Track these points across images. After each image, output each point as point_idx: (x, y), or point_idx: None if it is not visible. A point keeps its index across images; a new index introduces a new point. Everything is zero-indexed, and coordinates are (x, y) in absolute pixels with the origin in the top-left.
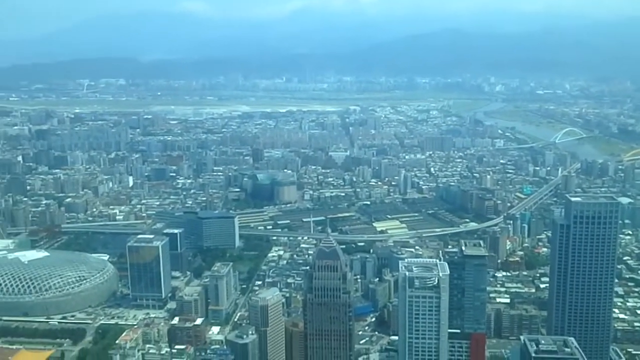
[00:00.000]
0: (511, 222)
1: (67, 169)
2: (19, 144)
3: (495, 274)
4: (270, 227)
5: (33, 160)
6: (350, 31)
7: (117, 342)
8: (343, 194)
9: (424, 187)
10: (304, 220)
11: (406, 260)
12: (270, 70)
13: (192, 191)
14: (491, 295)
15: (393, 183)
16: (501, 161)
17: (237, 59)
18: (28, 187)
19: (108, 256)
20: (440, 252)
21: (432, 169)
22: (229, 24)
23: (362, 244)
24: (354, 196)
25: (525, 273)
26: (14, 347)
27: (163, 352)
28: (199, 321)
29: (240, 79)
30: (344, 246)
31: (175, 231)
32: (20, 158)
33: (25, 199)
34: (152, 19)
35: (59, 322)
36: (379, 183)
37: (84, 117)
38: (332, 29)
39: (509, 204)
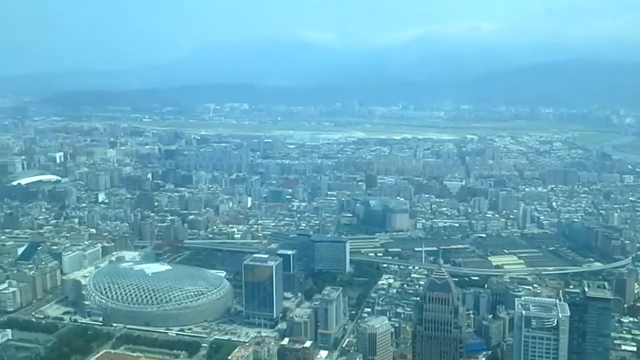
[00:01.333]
0: None
1: (192, 188)
2: (149, 162)
3: (621, 319)
4: (381, 254)
5: (161, 178)
6: (470, 59)
7: (229, 358)
8: (457, 225)
9: (544, 222)
10: (416, 249)
11: (523, 298)
12: (387, 97)
13: (306, 214)
14: (615, 341)
15: (511, 216)
16: (630, 198)
17: (354, 85)
18: (155, 203)
19: (225, 273)
20: (561, 292)
21: (554, 204)
22: (347, 52)
23: (476, 278)
24: (468, 228)
25: None
26: (135, 354)
27: None
28: (308, 344)
29: (356, 105)
30: (456, 279)
31: (289, 252)
32: (150, 175)
33: (153, 214)
34: (276, 47)
35: (176, 334)
36: (496, 215)
37: (209, 139)
38: (451, 57)
39: (638, 245)
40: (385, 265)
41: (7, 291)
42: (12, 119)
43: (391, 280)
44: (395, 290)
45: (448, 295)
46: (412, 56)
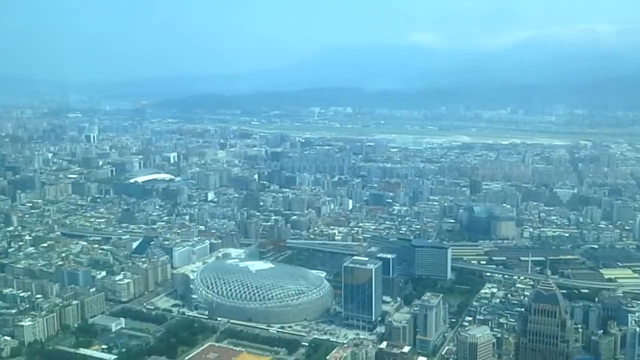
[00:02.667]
0: None
1: (295, 189)
2: (256, 164)
3: None
4: (484, 262)
5: (267, 178)
6: (585, 62)
7: (327, 357)
8: (567, 235)
9: None
10: (522, 258)
11: (637, 314)
12: (494, 101)
13: (407, 218)
14: None
15: (627, 227)
16: None
17: (460, 89)
18: (261, 203)
19: (325, 273)
20: None
21: None
22: (454, 55)
23: (586, 291)
24: (579, 238)
25: None
26: (237, 348)
27: None
28: (406, 349)
29: (462, 109)
30: (564, 291)
31: (389, 256)
32: (256, 176)
33: (258, 213)
34: (384, 50)
35: (277, 331)
36: (610, 226)
37: (313, 141)
38: (564, 59)
39: None
40: (488, 273)
41: (122, 282)
42: (131, 121)
43: (494, 290)
44: (498, 300)
45: (555, 308)
46: (522, 58)
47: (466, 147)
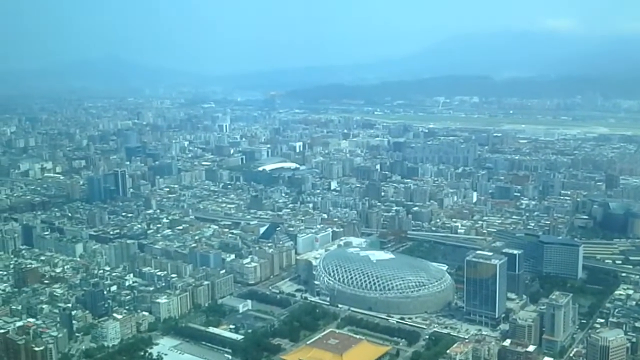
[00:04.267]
0: None
1: (417, 180)
2: (378, 154)
3: None
4: (620, 262)
5: (389, 169)
6: None
7: (447, 351)
8: None
9: None
10: None
11: None
12: (635, 89)
13: (535, 213)
14: None
15: None
16: None
17: (597, 76)
18: (382, 193)
19: (447, 267)
20: None
21: None
22: (591, 40)
23: None
24: None
25: None
26: (357, 336)
27: None
28: (531, 348)
29: (599, 98)
30: None
31: (515, 252)
32: (378, 166)
33: (379, 203)
34: (512, 37)
35: (397, 322)
36: None
37: (437, 132)
38: None
39: None
40: (624, 274)
41: (249, 265)
42: (260, 111)
43: (630, 292)
44: (634, 302)
45: None
46: None
47: (603, 139)
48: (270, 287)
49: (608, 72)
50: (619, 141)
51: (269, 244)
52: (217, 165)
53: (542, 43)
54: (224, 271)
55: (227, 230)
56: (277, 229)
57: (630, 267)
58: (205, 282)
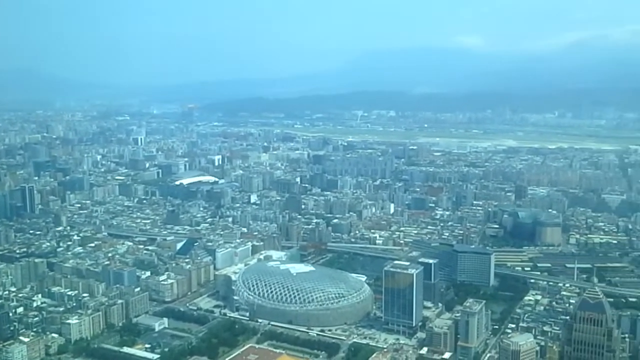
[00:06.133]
0: None
1: (337, 192)
2: (298, 167)
3: None
4: (529, 269)
5: (309, 182)
6: (636, 66)
7: None
8: (615, 242)
9: None
10: (567, 265)
11: None
12: (541, 104)
13: (449, 223)
14: None
15: None
16: None
17: (506, 92)
18: (302, 206)
19: (365, 277)
20: None
21: None
22: (501, 57)
23: (634, 299)
24: (628, 245)
25: None
26: (277, 350)
27: None
28: (447, 355)
29: (508, 112)
30: (611, 299)
31: (430, 261)
32: (298, 179)
33: (299, 216)
34: (425, 54)
35: (317, 334)
36: None
37: (355, 145)
38: (616, 63)
39: None
40: (532, 280)
41: (166, 282)
42: (178, 124)
43: (539, 297)
44: (542, 308)
45: (601, 316)
46: (572, 61)
47: (512, 151)
48: (187, 304)
49: (516, 88)
50: (527, 153)
51: (187, 260)
52: (132, 180)
53: (454, 60)
54: (139, 289)
55: (142, 246)
56: (195, 244)
57: (539, 273)
58: (119, 301)
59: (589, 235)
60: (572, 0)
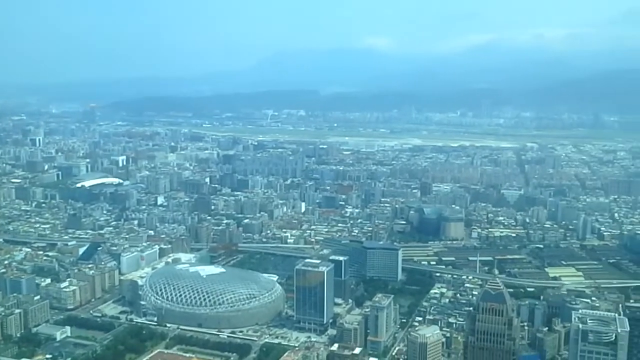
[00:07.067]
0: None
1: (248, 192)
2: (207, 167)
3: None
4: (434, 262)
5: (218, 182)
6: (535, 67)
7: None
8: (514, 235)
9: (605, 233)
10: (470, 259)
11: (580, 311)
12: (445, 104)
13: (359, 220)
14: None
15: (570, 227)
16: None
17: (412, 92)
18: (212, 207)
19: (277, 277)
20: (621, 306)
21: (616, 215)
22: (408, 59)
23: (532, 289)
24: (525, 238)
25: None
26: (187, 355)
27: None
28: (357, 350)
29: (413, 112)
30: (511, 290)
31: (341, 258)
32: (207, 180)
33: (209, 217)
34: (336, 54)
35: (228, 336)
36: (555, 226)
37: (266, 144)
38: (515, 65)
39: None
40: (438, 274)
41: (67, 289)
42: (79, 124)
43: (444, 290)
44: (447, 300)
45: (502, 306)
46: (474, 63)
47: (417, 150)
48: (91, 311)
49: (421, 88)
50: (431, 151)
51: (90, 265)
52: (30, 183)
53: (363, 61)
54: (38, 297)
55: (41, 252)
56: (99, 248)
57: (443, 267)
58: (17, 311)
59: (489, 229)
60: (479, 4)
